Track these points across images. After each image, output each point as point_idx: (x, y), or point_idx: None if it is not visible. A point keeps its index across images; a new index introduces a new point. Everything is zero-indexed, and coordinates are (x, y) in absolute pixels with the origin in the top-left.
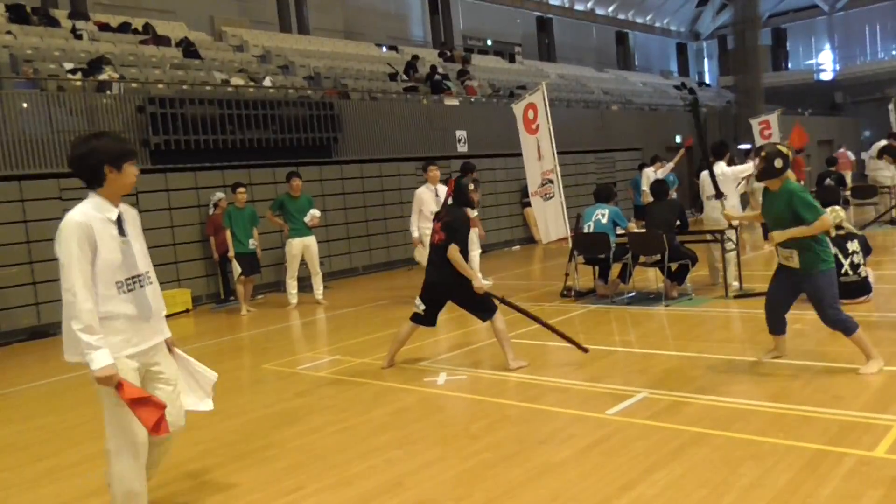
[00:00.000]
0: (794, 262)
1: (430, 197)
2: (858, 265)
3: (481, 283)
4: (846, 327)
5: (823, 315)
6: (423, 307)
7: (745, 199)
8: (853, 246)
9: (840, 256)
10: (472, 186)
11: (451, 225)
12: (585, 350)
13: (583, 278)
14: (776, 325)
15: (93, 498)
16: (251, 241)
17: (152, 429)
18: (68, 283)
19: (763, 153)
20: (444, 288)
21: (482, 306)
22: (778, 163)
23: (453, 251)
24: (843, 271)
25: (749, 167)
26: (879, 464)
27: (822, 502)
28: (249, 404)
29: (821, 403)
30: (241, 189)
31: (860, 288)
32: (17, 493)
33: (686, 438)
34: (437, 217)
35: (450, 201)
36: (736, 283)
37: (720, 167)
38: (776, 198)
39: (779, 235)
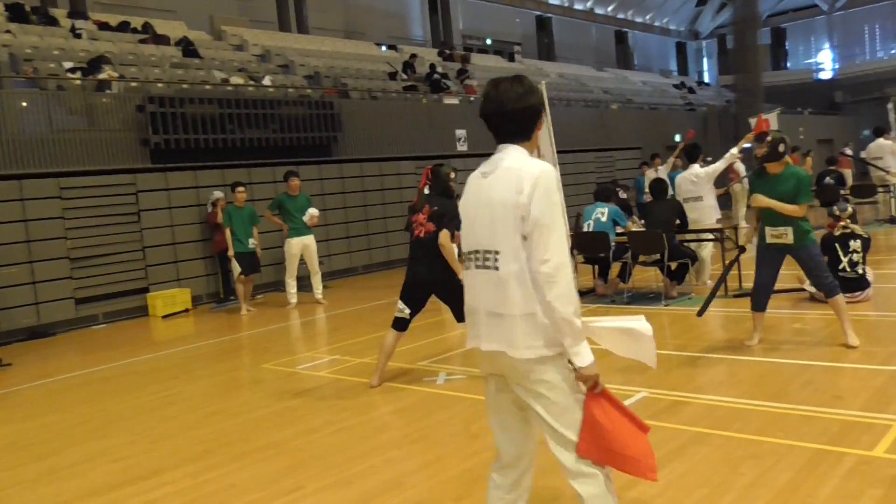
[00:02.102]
0: (789, 238)
1: None
2: (857, 263)
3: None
4: (831, 290)
5: (817, 278)
6: (407, 311)
7: (727, 200)
8: (855, 244)
9: (840, 253)
10: (452, 175)
11: (439, 213)
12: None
13: (582, 277)
14: (763, 302)
15: (93, 497)
16: (251, 241)
17: (645, 469)
18: (552, 252)
19: (769, 139)
20: (434, 283)
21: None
22: (781, 147)
23: (445, 237)
24: (840, 267)
25: (720, 166)
26: (879, 463)
27: (822, 502)
28: (249, 404)
29: (821, 403)
30: (241, 188)
31: (856, 284)
32: (17, 493)
33: (686, 438)
34: (415, 209)
35: (426, 191)
36: (710, 282)
37: (694, 169)
38: (780, 180)
39: (762, 200)
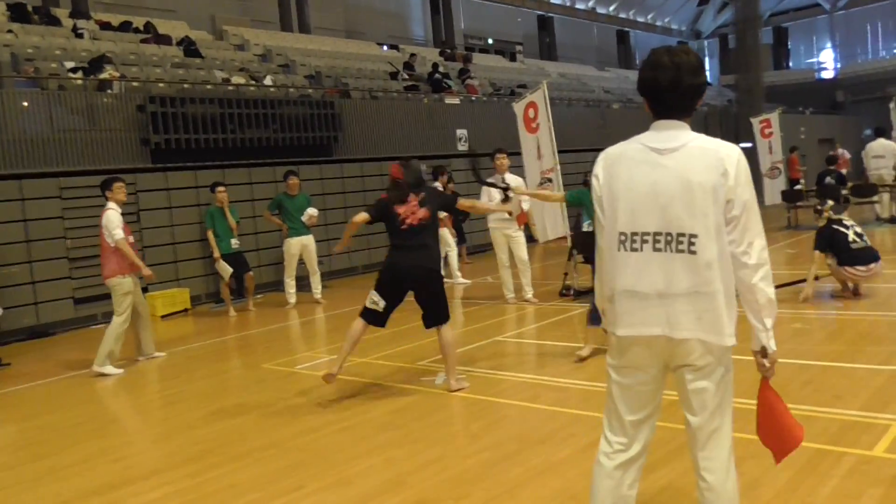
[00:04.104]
0: None
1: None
2: (862, 234)
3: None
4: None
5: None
6: (382, 303)
7: None
8: (850, 221)
9: (843, 230)
10: (423, 167)
11: (431, 197)
12: None
13: (582, 277)
14: None
15: (93, 497)
16: (233, 241)
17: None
18: (758, 234)
19: None
20: (420, 276)
21: (441, 311)
22: None
23: (463, 202)
24: (850, 239)
25: None
26: (879, 463)
27: (822, 501)
28: (249, 404)
29: (820, 403)
30: (221, 188)
31: (870, 254)
32: (18, 493)
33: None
34: (391, 201)
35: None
36: None
37: None
38: None
39: None
